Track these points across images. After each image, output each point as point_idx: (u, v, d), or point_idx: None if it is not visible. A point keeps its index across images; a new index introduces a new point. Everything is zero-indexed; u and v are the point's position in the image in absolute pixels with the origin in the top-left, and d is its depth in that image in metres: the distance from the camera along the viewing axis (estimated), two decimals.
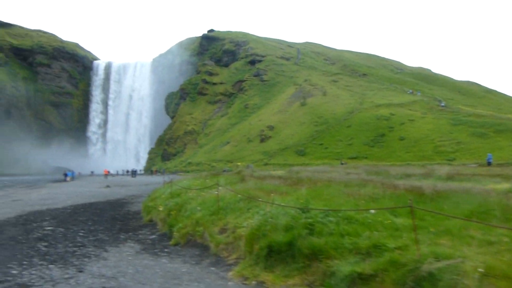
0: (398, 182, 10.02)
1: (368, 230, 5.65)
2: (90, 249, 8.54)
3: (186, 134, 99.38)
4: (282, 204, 7.05)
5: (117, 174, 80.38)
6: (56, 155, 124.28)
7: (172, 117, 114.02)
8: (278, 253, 5.78)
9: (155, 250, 8.27)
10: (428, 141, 57.92)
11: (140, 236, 10.03)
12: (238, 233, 7.01)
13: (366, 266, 4.84)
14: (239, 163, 69.56)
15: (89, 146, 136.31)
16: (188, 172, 71.18)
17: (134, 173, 64.91)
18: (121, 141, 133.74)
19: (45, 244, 9.19)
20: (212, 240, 7.50)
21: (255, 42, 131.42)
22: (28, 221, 12.81)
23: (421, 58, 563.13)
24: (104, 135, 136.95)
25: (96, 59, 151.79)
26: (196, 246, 8.05)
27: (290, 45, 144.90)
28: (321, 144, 69.72)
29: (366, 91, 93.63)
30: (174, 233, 8.78)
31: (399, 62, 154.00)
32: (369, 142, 64.84)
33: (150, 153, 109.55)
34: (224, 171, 66.61)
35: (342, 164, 37.44)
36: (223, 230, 7.70)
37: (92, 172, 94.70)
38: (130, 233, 10.52)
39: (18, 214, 14.59)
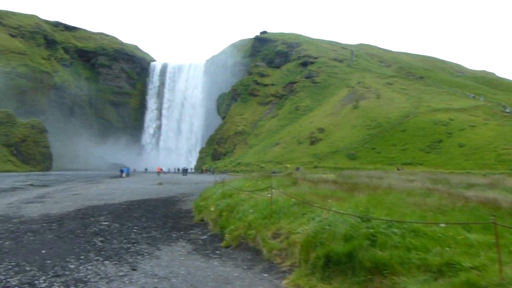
0: (468, 193, 9.17)
1: (439, 246, 5.10)
2: (143, 247, 8.61)
3: (236, 135, 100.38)
4: (340, 211, 6.62)
5: (169, 172, 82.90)
6: (112, 152, 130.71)
7: (223, 118, 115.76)
8: (336, 264, 5.38)
9: (207, 252, 8.16)
10: (490, 148, 54.18)
11: (192, 235, 10.00)
12: (293, 239, 6.68)
13: (439, 286, 4.33)
14: (288, 165, 69.14)
15: (143, 144, 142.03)
16: (237, 172, 71.85)
17: (185, 171, 66.51)
18: (173, 139, 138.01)
19: (101, 239, 9.41)
20: (265, 244, 7.24)
21: (307, 43, 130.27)
22: (86, 215, 13.31)
23: (484, 61, 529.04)
24: (157, 134, 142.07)
25: (153, 60, 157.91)
26: (247, 250, 7.84)
27: (343, 47, 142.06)
28: (373, 149, 67.67)
29: (423, 94, 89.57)
30: (226, 235, 8.63)
31: (459, 65, 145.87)
32: (425, 148, 61.94)
33: (200, 152, 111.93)
34: (274, 172, 66.43)
35: (398, 170, 35.81)
36: (276, 235, 7.41)
37: (146, 169, 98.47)
38: (181, 232, 10.54)
39: (77, 208, 15.25)
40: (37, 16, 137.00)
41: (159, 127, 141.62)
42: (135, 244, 8.84)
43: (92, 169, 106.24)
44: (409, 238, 5.33)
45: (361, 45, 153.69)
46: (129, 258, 7.58)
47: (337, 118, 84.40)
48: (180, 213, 14.52)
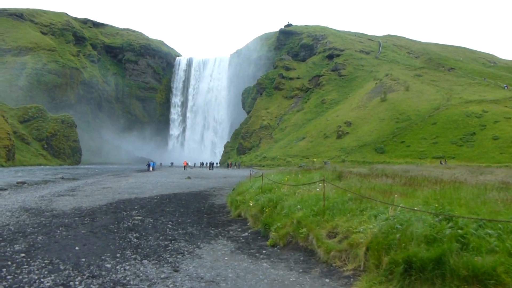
0: None
1: None
2: (182, 244, 7.94)
3: (262, 129, 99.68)
4: (412, 208, 5.71)
5: (195, 166, 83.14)
6: (138, 146, 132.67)
7: (248, 112, 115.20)
8: (420, 271, 4.50)
9: (252, 251, 7.41)
10: None
11: (231, 232, 9.29)
12: (354, 239, 5.83)
13: None
14: (314, 159, 68.09)
15: (168, 138, 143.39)
16: (263, 166, 71.23)
17: (211, 165, 66.38)
18: (198, 133, 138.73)
19: (136, 235, 8.82)
20: (320, 244, 6.41)
21: (333, 36, 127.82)
22: (118, 209, 12.83)
23: None
24: (182, 128, 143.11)
25: (179, 55, 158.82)
26: (298, 250, 7.03)
27: (370, 38, 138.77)
28: (402, 142, 65.96)
29: (454, 86, 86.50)
30: (272, 233, 7.84)
31: (491, 55, 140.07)
32: (457, 141, 59.77)
33: (225, 146, 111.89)
34: (300, 166, 65.60)
35: (441, 164, 34.18)
36: (331, 234, 6.57)
37: (172, 163, 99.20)
38: (219, 229, 9.84)
39: (109, 201, 14.83)
40: (66, 14, 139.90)
41: (184, 122, 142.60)
42: (173, 242, 8.19)
43: (119, 163, 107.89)
44: (509, 241, 4.39)
45: (388, 36, 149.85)
46: (168, 257, 6.91)
47: (364, 111, 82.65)
48: (214, 208, 13.88)
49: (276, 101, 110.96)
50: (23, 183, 24.69)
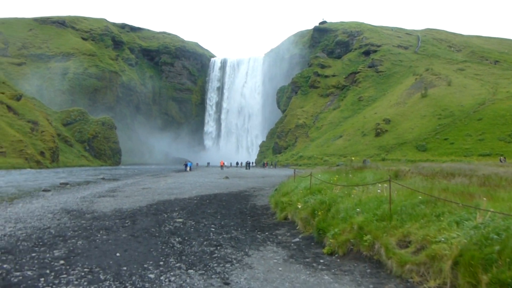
0: None
1: None
2: (228, 251, 7.26)
3: (297, 128, 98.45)
4: (509, 213, 4.72)
5: (231, 166, 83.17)
6: (175, 147, 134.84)
7: (283, 111, 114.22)
8: None
9: (307, 260, 6.60)
10: None
11: (280, 237, 8.52)
12: (435, 251, 4.90)
13: None
14: (353, 158, 66.26)
15: (204, 138, 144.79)
16: (300, 165, 70.14)
17: (248, 165, 66.10)
18: (233, 133, 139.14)
19: (179, 239, 8.24)
20: (391, 255, 5.51)
21: (369, 31, 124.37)
22: (158, 211, 12.39)
23: None
24: (218, 129, 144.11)
25: (213, 56, 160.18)
26: (361, 260, 6.16)
27: (408, 32, 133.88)
28: (445, 139, 63.04)
29: (500, 79, 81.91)
30: (328, 239, 6.98)
31: None
32: (505, 137, 56.41)
33: (261, 146, 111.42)
34: (338, 165, 64.03)
35: (501, 162, 31.91)
36: (403, 243, 5.66)
37: (208, 163, 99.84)
38: (266, 233, 9.10)
39: (149, 203, 14.48)
40: (105, 19, 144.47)
41: (219, 122, 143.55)
42: (218, 248, 7.52)
43: (156, 163, 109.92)
44: None
45: (427, 30, 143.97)
46: (216, 266, 6.23)
47: (404, 108, 79.83)
48: (257, 210, 13.18)
49: (311, 100, 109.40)
50: (66, 184, 25.10)
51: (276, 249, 7.38)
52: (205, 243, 7.91)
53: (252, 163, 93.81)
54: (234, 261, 6.54)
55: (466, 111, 68.47)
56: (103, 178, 33.53)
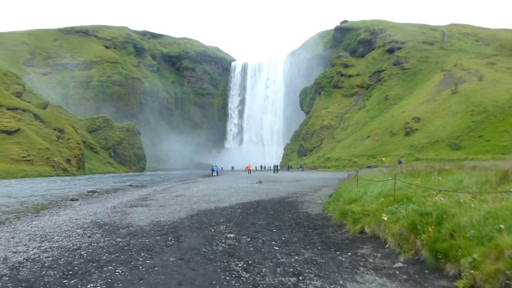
0: None
1: None
2: (317, 284, 5.40)
3: (322, 129, 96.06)
4: None
5: (256, 170, 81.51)
6: (198, 151, 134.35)
7: (307, 112, 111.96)
8: None
9: None
10: None
11: (371, 260, 6.62)
12: None
13: None
14: (383, 158, 63.73)
15: (226, 142, 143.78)
16: (328, 167, 67.85)
17: (276, 168, 64.29)
18: (256, 136, 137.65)
19: (242, 264, 6.46)
20: None
21: (393, 28, 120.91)
22: (202, 224, 10.66)
23: None
24: (240, 132, 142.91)
25: (234, 60, 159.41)
26: None
27: (433, 28, 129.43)
28: (480, 137, 60.01)
29: None
30: (466, 269, 5.00)
31: None
32: None
33: (285, 148, 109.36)
34: (369, 167, 61.51)
35: None
36: None
37: (232, 167, 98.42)
38: (348, 253, 7.21)
39: (188, 213, 12.78)
40: (127, 27, 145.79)
41: (241, 125, 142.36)
42: (300, 278, 5.68)
43: (180, 169, 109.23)
44: None
45: (452, 25, 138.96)
46: None
47: (434, 105, 76.80)
48: (314, 220, 11.31)
49: (335, 100, 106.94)
50: (94, 192, 23.86)
51: (380, 280, 5.47)
52: (278, 270, 6.09)
53: (278, 166, 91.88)
54: None
55: (501, 106, 65.26)
56: (130, 185, 32.29)
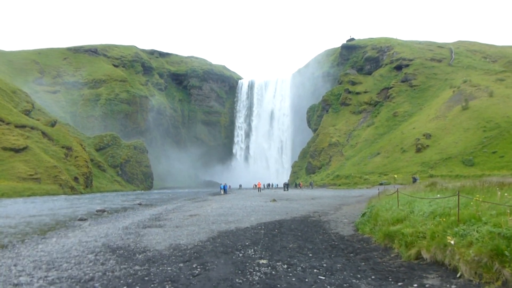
0: None
1: None
2: None
3: (331, 146, 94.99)
4: None
5: (265, 188, 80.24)
6: (205, 169, 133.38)
7: (314, 130, 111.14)
8: None
9: None
10: None
11: None
12: None
13: None
14: (395, 175, 62.44)
15: (233, 160, 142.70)
16: (339, 185, 66.42)
17: (286, 186, 63.05)
18: (263, 154, 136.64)
19: None
20: None
21: (400, 46, 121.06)
22: (227, 248, 9.50)
23: None
24: (247, 150, 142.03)
25: (240, 78, 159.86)
26: None
27: (440, 45, 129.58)
28: (494, 153, 58.81)
29: None
30: None
31: None
32: None
33: (293, 166, 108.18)
34: (381, 184, 60.05)
35: None
36: None
37: (240, 185, 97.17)
38: (414, 284, 5.98)
39: (208, 235, 11.61)
40: (135, 46, 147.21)
41: (248, 143, 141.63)
42: None
43: (188, 187, 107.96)
44: None
45: (459, 42, 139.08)
46: None
47: (445, 122, 75.87)
48: (350, 241, 10.12)
49: (343, 117, 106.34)
50: (103, 211, 22.77)
51: None
52: None
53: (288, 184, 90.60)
54: None
55: None
56: (140, 204, 31.17)
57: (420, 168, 63.36)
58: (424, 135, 72.18)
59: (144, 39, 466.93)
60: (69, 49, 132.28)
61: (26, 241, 11.57)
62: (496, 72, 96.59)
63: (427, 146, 69.48)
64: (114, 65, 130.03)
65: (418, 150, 69.43)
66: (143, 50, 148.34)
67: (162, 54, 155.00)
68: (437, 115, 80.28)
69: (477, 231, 6.22)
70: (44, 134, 67.85)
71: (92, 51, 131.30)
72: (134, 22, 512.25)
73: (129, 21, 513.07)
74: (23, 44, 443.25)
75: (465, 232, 6.44)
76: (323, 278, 6.57)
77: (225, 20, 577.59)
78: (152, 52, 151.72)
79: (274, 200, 28.26)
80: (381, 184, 60.55)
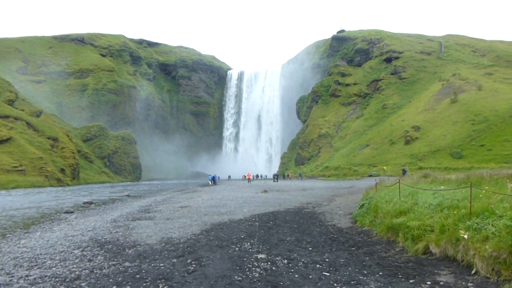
0: None
1: None
2: None
3: (320, 138, 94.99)
4: None
5: (254, 179, 79.84)
6: (194, 160, 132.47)
7: (304, 121, 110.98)
8: None
9: None
10: None
11: None
12: None
13: None
14: (384, 167, 62.77)
15: (222, 151, 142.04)
16: (328, 176, 66.42)
17: (276, 177, 62.74)
18: (252, 145, 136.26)
19: None
20: None
21: (390, 38, 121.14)
22: (222, 241, 9.02)
23: None
24: (236, 141, 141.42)
25: (230, 68, 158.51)
26: None
27: (430, 39, 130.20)
28: (482, 146, 59.34)
29: None
30: None
31: None
32: None
33: (282, 157, 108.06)
34: (371, 175, 60.21)
35: None
36: None
37: (229, 176, 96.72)
38: (427, 281, 5.57)
39: (201, 228, 11.11)
40: (123, 35, 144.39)
41: (237, 134, 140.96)
42: None
43: (176, 178, 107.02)
44: None
45: (449, 35, 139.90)
46: None
47: (433, 114, 76.36)
48: (349, 234, 9.74)
49: (333, 109, 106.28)
50: (90, 203, 22.08)
51: None
52: None
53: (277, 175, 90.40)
54: None
55: (501, 116, 64.76)
56: (128, 195, 30.50)
57: (409, 160, 63.74)
58: (413, 128, 72.50)
59: (133, 28, 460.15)
60: (54, 37, 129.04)
61: (7, 236, 10.94)
62: (485, 66, 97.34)
63: (416, 138, 69.89)
64: (102, 55, 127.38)
65: (407, 142, 69.84)
66: (131, 40, 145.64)
67: (150, 44, 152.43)
68: (426, 107, 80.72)
69: (492, 225, 5.86)
70: (28, 124, 66.15)
71: (79, 40, 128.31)
72: (122, 11, 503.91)
73: (118, 10, 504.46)
74: (5, 32, 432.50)
75: (479, 226, 6.08)
76: (328, 274, 6.15)
77: (215, 10, 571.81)
78: (140, 42, 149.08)
79: (265, 191, 27.87)
80: (370, 175, 60.74)
